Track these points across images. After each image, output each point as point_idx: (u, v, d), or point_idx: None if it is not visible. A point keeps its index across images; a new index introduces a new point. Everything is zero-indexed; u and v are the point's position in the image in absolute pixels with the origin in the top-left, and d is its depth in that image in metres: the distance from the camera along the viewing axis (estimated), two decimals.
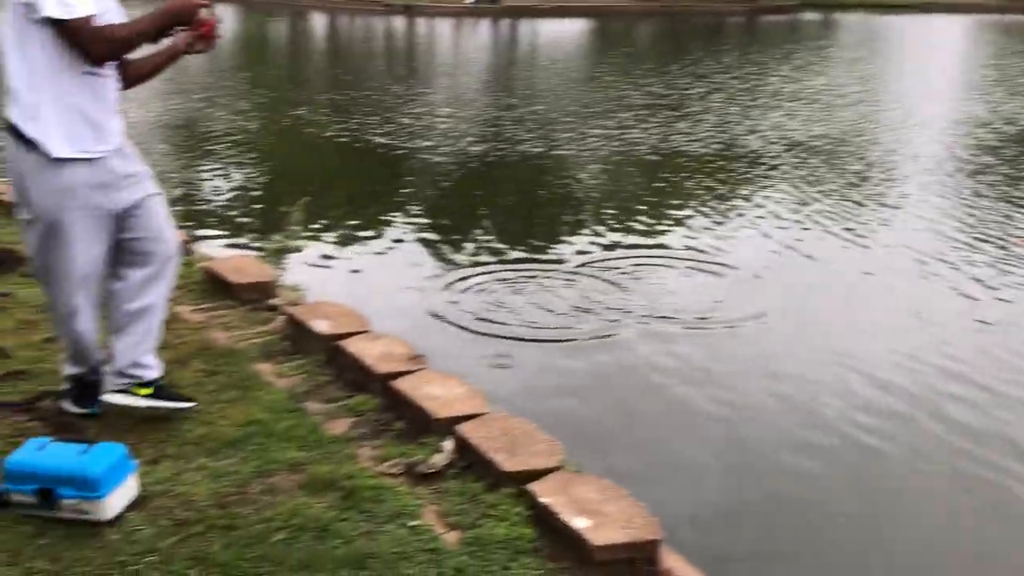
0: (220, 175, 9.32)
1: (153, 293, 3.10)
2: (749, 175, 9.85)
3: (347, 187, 9.26)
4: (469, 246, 7.03)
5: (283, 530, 2.56)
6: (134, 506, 2.62)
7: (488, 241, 7.16)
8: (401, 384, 3.36)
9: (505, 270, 6.36)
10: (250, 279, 4.42)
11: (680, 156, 10.67)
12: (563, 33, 31.19)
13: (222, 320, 4.14)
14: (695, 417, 4.22)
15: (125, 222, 2.98)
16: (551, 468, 2.83)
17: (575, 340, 5.08)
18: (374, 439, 3.17)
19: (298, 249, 5.46)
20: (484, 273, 6.27)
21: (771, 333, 5.30)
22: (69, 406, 3.13)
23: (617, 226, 7.71)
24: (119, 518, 2.56)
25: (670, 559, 2.59)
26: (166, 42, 3.00)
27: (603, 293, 5.86)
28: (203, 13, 2.93)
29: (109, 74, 2.88)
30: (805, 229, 7.66)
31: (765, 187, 9.27)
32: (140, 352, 3.09)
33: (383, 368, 3.48)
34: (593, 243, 7.18)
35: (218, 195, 8.45)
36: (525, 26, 34.63)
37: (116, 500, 2.54)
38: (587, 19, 38.67)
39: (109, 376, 3.11)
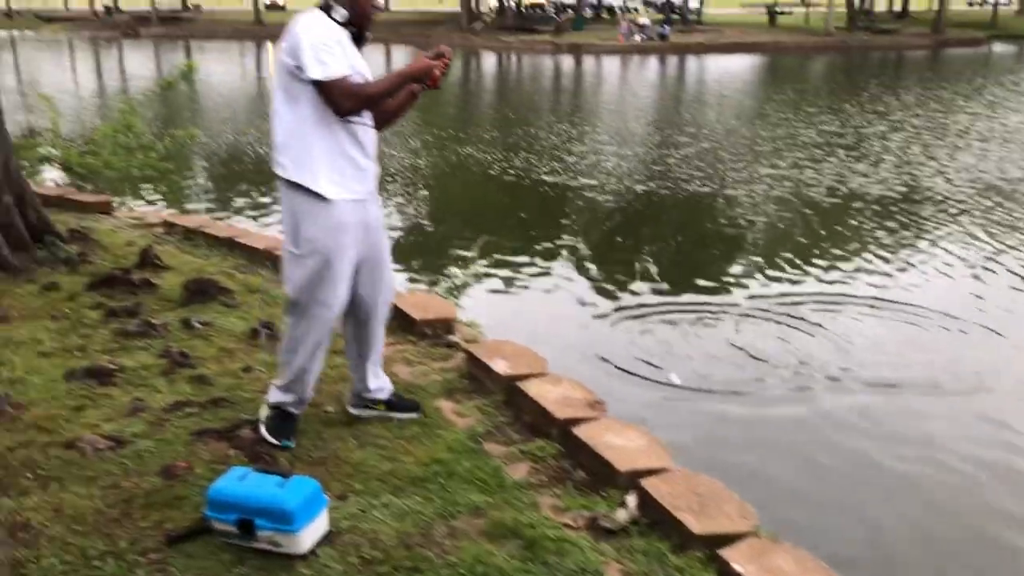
0: (394, 211, 9.64)
1: (379, 327, 3.45)
2: (936, 220, 9.25)
3: (515, 225, 9.36)
4: (637, 286, 6.92)
5: None
6: (324, 541, 2.67)
7: (656, 281, 7.04)
8: (581, 431, 3.29)
9: (674, 310, 6.21)
10: (432, 315, 4.50)
11: (858, 198, 10.17)
12: (732, 69, 30.66)
13: (404, 354, 4.22)
14: (890, 485, 3.92)
15: (365, 262, 3.24)
16: (743, 533, 2.68)
17: (752, 392, 4.86)
18: (554, 487, 3.11)
19: (473, 285, 5.52)
20: (653, 314, 6.15)
21: (963, 392, 4.89)
22: (267, 435, 3.25)
23: (791, 270, 7.40)
24: (311, 553, 2.61)
25: None
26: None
27: (778, 340, 5.61)
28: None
29: (368, 122, 3.16)
30: (995, 282, 7.08)
31: (954, 233, 8.67)
32: (375, 377, 3.50)
33: (563, 413, 3.43)
34: (765, 287, 6.92)
35: (393, 231, 8.74)
36: (693, 63, 34.31)
37: (309, 535, 2.59)
38: (758, 55, 37.89)
39: (352, 397, 3.53)
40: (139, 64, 32.41)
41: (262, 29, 48.86)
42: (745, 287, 6.92)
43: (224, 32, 49.01)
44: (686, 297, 6.66)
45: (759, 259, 7.81)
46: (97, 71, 30.01)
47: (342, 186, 3.06)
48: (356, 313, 3.34)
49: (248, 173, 11.57)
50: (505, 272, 7.23)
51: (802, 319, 6.02)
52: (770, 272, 7.33)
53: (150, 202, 9.21)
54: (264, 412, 3.32)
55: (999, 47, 42.16)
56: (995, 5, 55.08)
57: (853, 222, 9.15)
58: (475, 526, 2.81)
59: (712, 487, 2.93)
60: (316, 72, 2.92)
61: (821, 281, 7.11)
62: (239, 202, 9.77)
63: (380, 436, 3.36)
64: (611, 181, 11.20)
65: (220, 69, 31.14)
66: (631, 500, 2.92)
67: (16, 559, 2.56)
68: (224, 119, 16.93)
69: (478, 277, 5.98)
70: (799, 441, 4.26)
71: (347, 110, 3.00)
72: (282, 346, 3.32)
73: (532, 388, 3.63)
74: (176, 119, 15.98)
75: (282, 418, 3.28)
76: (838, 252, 8.04)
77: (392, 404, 3.53)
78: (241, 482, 2.65)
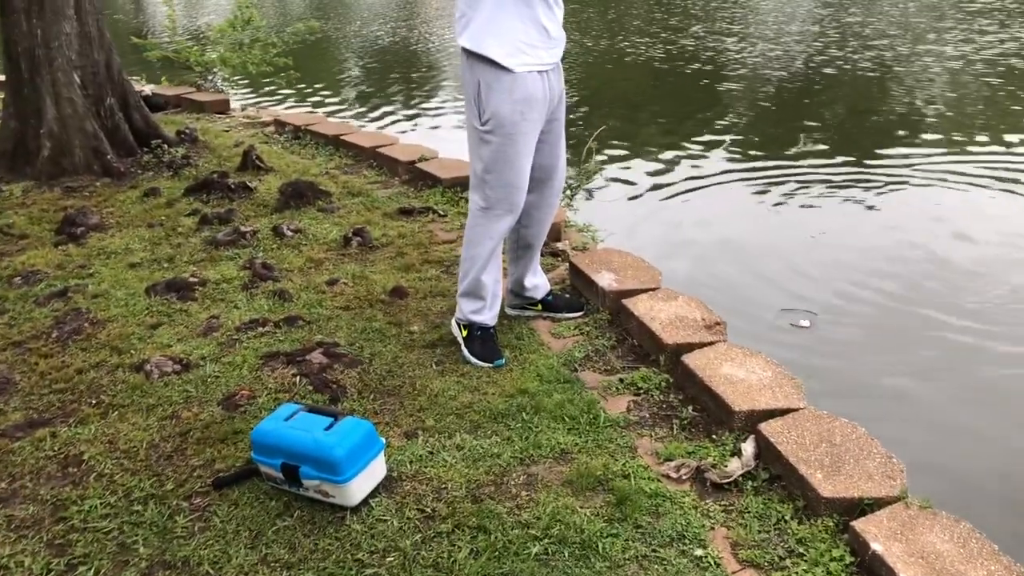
0: None
1: (552, 209, 3.17)
2: None
3: (642, 112, 8.61)
4: (779, 188, 6.15)
5: (540, 541, 2.14)
6: (383, 488, 2.34)
7: (804, 182, 6.23)
8: (694, 360, 2.79)
9: (830, 189, 5.45)
10: None
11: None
12: None
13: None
14: None
15: (545, 135, 2.99)
16: (888, 499, 2.14)
17: (912, 306, 4.14)
18: (657, 427, 2.65)
19: (588, 183, 4.97)
20: (796, 191, 5.42)
21: None
22: (472, 359, 3.00)
23: (963, 148, 6.39)
24: (364, 503, 2.28)
25: None
26: None
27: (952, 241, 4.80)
28: None
29: None
30: None
31: None
32: (533, 274, 3.28)
33: (673, 337, 2.93)
34: (939, 162, 5.99)
35: None
36: None
37: (360, 484, 2.26)
38: None
39: (508, 295, 3.33)
40: None
41: None
42: (910, 165, 6.03)
43: None
44: (844, 191, 5.86)
45: (927, 138, 6.81)
46: None
47: (531, 57, 2.80)
48: (530, 190, 3.01)
49: (374, 68, 11.24)
50: (629, 167, 6.62)
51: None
52: (940, 149, 6.37)
53: (268, 99, 9.07)
54: (458, 332, 3.08)
55: None
56: None
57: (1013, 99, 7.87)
58: (559, 474, 2.41)
59: (851, 435, 2.38)
60: None
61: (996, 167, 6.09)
62: (358, 99, 9.45)
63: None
64: (748, 68, 10.16)
65: None
66: (748, 448, 2.43)
67: (60, 499, 2.37)
68: (361, 9, 16.61)
69: (598, 173, 5.36)
70: (965, 387, 3.52)
71: None
72: (465, 241, 3.04)
73: (640, 306, 3.14)
74: (311, 8, 15.82)
75: (482, 336, 3.03)
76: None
77: (550, 304, 3.33)
78: (286, 423, 2.33)
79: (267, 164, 5.10)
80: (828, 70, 9.32)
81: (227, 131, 6.16)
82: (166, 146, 5.27)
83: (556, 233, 4.04)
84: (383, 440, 2.37)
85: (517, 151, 2.86)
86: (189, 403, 2.80)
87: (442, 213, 4.40)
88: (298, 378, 2.89)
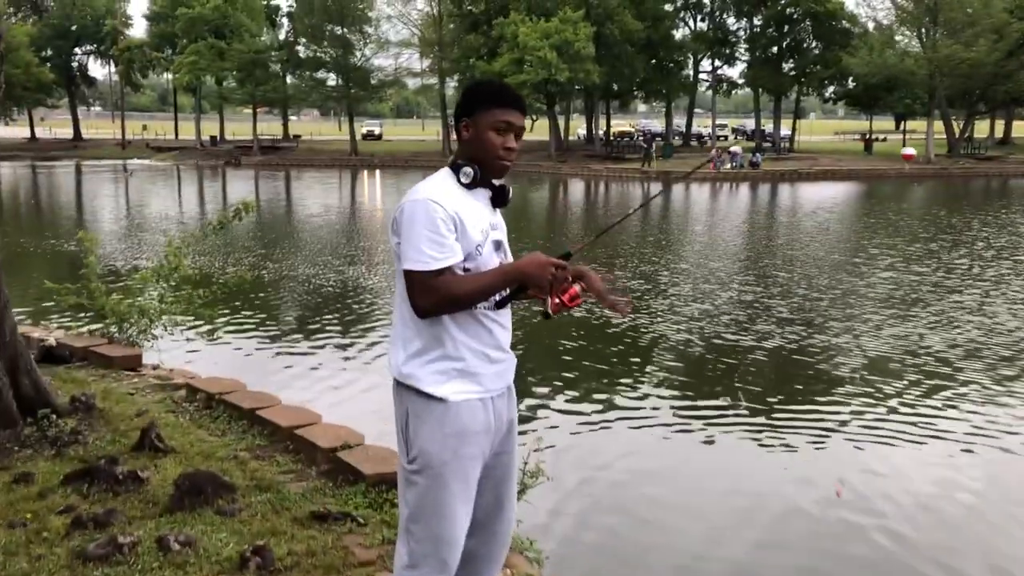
0: None
1: (494, 570, 2.68)
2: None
3: (584, 375, 8.32)
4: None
5: None
6: None
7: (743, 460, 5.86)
8: None
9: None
10: None
11: (956, 350, 8.86)
12: (827, 199, 29.48)
13: None
14: None
15: (488, 477, 2.56)
16: None
17: None
18: None
19: (535, 484, 4.46)
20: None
21: None
22: None
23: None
24: None
25: None
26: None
27: None
28: (564, 280, 2.39)
29: (506, 309, 2.51)
30: None
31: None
32: None
33: None
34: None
35: None
36: (786, 191, 33.33)
37: None
38: (854, 183, 36.71)
39: None
40: (239, 190, 33.30)
41: (358, 158, 50.35)
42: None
43: (321, 161, 50.57)
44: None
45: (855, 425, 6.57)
46: (199, 197, 30.86)
47: (469, 381, 2.43)
48: (470, 534, 2.53)
49: (312, 320, 10.85)
50: (570, 440, 6.19)
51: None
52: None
53: (187, 346, 8.62)
54: None
55: None
56: None
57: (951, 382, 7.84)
58: None
59: None
60: (408, 261, 2.35)
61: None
62: (289, 360, 8.87)
63: None
64: (697, 324, 10.15)
65: (311, 195, 31.77)
66: None
67: None
68: (302, 252, 16.62)
69: (540, 473, 4.75)
70: None
71: (423, 310, 2.37)
72: None
73: None
74: (255, 251, 15.72)
75: None
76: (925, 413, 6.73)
77: None
78: None
79: (167, 445, 4.49)
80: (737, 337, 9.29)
81: (132, 395, 5.56)
82: (54, 416, 4.65)
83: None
84: None
85: (449, 496, 2.43)
86: None
87: (362, 521, 3.80)
88: None
